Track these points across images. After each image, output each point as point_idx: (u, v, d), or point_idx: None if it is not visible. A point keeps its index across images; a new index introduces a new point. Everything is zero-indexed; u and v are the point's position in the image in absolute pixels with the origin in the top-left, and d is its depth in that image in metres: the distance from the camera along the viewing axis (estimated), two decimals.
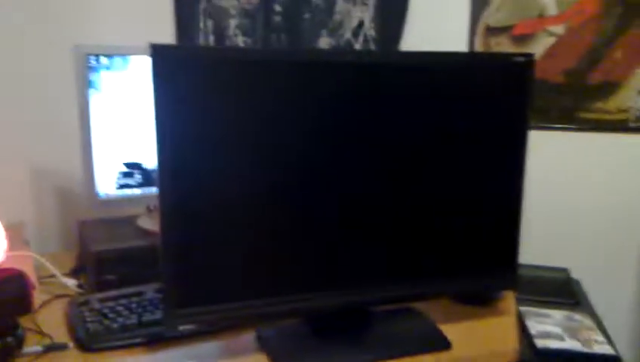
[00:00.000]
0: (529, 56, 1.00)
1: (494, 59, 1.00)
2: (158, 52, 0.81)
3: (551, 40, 1.63)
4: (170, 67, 0.82)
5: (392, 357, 0.95)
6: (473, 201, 1.02)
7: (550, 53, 1.64)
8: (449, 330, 1.02)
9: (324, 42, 1.65)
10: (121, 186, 1.23)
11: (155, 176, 1.25)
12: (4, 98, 1.35)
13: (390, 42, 1.64)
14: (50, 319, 1.03)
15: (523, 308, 1.34)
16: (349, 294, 0.97)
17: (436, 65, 0.96)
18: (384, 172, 0.95)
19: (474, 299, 1.14)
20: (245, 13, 1.64)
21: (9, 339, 0.86)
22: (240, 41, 1.65)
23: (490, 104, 1.00)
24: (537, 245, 1.73)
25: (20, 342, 0.88)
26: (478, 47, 1.66)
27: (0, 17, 1.32)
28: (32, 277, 1.08)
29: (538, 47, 1.64)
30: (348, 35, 1.65)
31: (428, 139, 0.97)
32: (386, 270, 0.99)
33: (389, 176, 0.96)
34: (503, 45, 1.65)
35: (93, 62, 1.16)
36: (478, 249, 1.04)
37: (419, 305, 1.11)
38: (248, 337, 1.00)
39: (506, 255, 1.06)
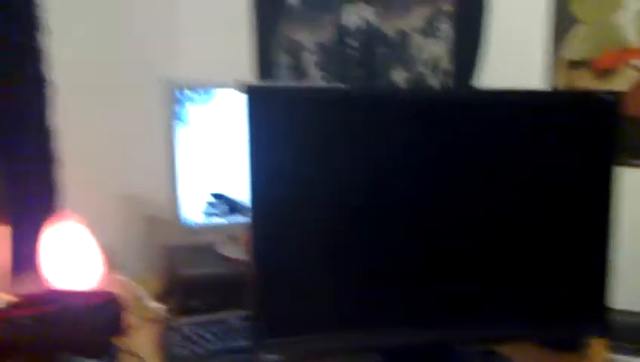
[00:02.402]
0: (615, 94, 0.98)
1: (578, 96, 0.99)
2: (252, 92, 0.85)
3: (637, 75, 1.58)
4: (264, 106, 0.86)
5: None
6: (558, 243, 0.99)
7: (638, 87, 1.59)
8: None
9: (399, 75, 1.66)
10: (207, 214, 1.28)
11: (237, 206, 1.30)
12: (97, 128, 1.44)
13: (466, 76, 1.64)
14: (140, 341, 1.08)
15: (615, 356, 1.28)
16: (431, 332, 0.97)
17: (517, 103, 0.95)
18: (467, 210, 0.95)
19: (562, 344, 1.10)
20: (321, 48, 1.68)
21: (104, 360, 0.91)
22: (317, 75, 1.69)
23: (574, 142, 0.97)
24: (634, 290, 1.65)
25: None
26: (559, 81, 1.63)
27: (95, 52, 1.42)
28: (125, 301, 1.14)
29: (623, 81, 1.59)
30: (422, 68, 1.67)
31: (510, 179, 0.96)
32: (472, 310, 0.98)
33: (472, 215, 0.96)
34: (585, 79, 1.62)
35: (179, 95, 1.22)
36: (565, 293, 1.01)
37: (503, 349, 1.09)
38: None
39: (594, 300, 1.02)
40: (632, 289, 1.65)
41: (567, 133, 0.97)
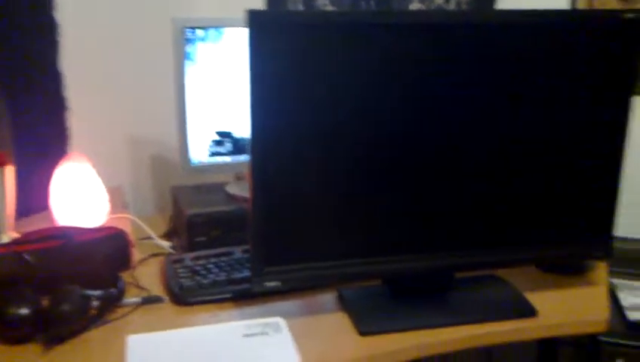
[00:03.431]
0: (638, 12, 0.93)
1: (600, 16, 0.93)
2: (254, 17, 0.83)
3: None
4: (266, 32, 0.83)
5: (474, 322, 0.94)
6: (568, 167, 0.97)
7: None
8: (535, 298, 1.00)
9: (415, 8, 1.61)
10: (213, 154, 1.28)
11: (244, 144, 1.29)
12: (104, 69, 1.44)
13: (484, 6, 1.58)
14: (147, 275, 1.11)
15: (616, 281, 1.28)
16: (433, 258, 0.97)
17: (536, 24, 0.91)
18: (476, 134, 0.93)
19: (562, 268, 1.10)
20: None
21: (112, 290, 0.94)
22: (329, 10, 1.64)
23: (594, 65, 0.94)
24: (636, 217, 1.62)
25: (121, 293, 0.95)
26: (581, 6, 1.56)
27: None
28: (131, 237, 1.16)
29: None
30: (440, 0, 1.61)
31: (525, 101, 0.94)
32: (473, 235, 0.97)
33: (481, 139, 0.94)
34: (609, 4, 1.55)
35: (189, 34, 1.20)
36: (571, 216, 1.00)
37: (503, 273, 1.09)
38: (329, 296, 1.02)
39: (600, 223, 1.01)
40: (636, 216, 1.63)
41: (587, 54, 0.94)
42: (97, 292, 0.90)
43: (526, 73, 0.92)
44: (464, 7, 1.60)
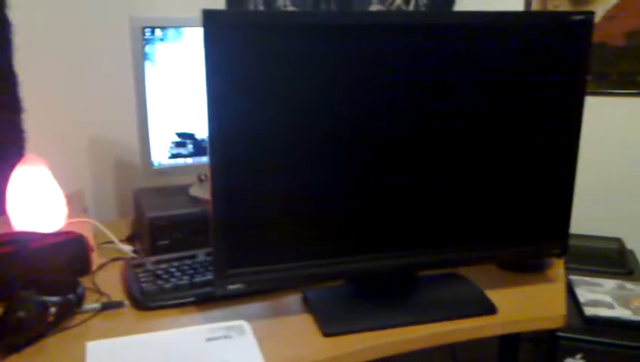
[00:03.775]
0: (588, 14, 0.96)
1: (550, 17, 0.96)
2: (209, 17, 0.82)
3: (612, 1, 1.55)
4: (222, 32, 0.83)
5: (436, 321, 0.95)
6: (525, 166, 0.99)
7: (611, 14, 1.56)
8: (495, 296, 1.02)
9: (375, 9, 1.62)
10: (174, 156, 1.26)
11: (205, 145, 1.28)
12: (62, 71, 1.41)
13: (443, 7, 1.60)
14: (107, 280, 1.08)
15: (573, 277, 1.31)
16: (396, 257, 0.98)
17: (488, 25, 0.93)
18: (435, 135, 0.94)
19: (522, 266, 1.12)
20: None
21: (70, 296, 0.91)
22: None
23: (546, 66, 0.96)
24: (591, 214, 1.67)
25: (80, 299, 0.93)
26: (535, 8, 1.60)
27: None
28: (91, 241, 1.14)
29: (598, 8, 1.57)
30: (399, 1, 1.62)
31: (480, 101, 0.95)
32: (434, 234, 0.98)
33: (440, 140, 0.95)
34: (562, 6, 1.59)
35: (148, 34, 1.18)
36: (528, 215, 1.02)
37: (466, 271, 1.11)
38: (294, 298, 1.02)
39: (557, 222, 1.03)
40: (593, 213, 1.68)
41: (538, 55, 0.95)
42: (55, 299, 0.88)
43: (483, 73, 0.94)
44: (423, 8, 1.62)
